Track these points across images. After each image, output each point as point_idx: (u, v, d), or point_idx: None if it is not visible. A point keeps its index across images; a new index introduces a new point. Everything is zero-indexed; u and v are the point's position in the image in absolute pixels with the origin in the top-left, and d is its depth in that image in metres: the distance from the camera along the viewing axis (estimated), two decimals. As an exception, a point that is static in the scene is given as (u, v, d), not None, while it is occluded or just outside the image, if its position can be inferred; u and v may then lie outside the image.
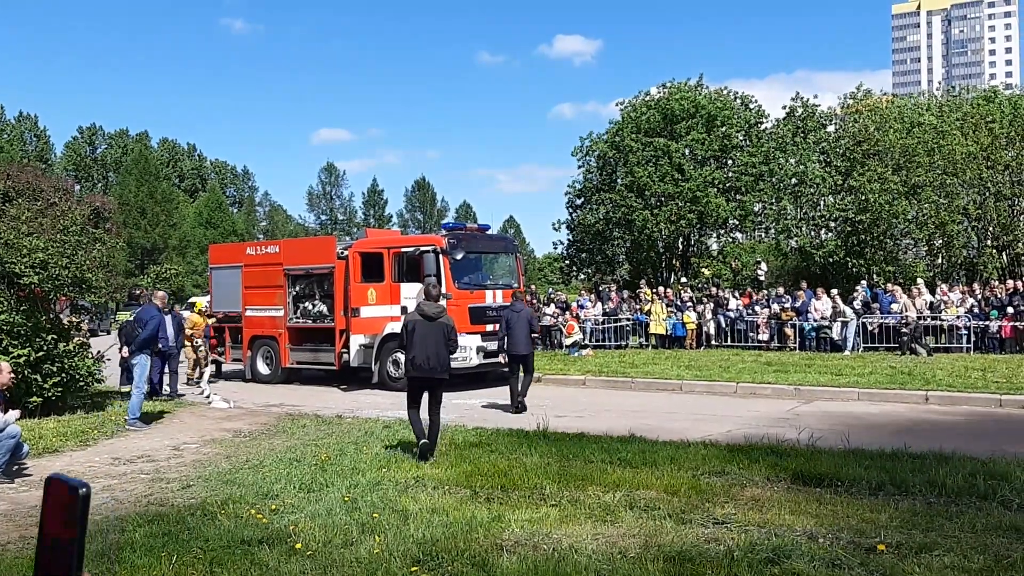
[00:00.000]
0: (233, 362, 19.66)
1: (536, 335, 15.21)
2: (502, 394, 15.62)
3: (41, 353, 12.24)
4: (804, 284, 23.40)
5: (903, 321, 20.05)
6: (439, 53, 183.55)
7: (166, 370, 15.93)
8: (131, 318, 14.91)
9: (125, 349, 12.93)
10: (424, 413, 9.52)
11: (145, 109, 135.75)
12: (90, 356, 13.60)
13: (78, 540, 1.32)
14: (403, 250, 16.98)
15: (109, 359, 14.43)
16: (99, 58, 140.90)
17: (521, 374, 13.72)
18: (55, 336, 12.68)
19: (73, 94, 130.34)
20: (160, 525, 6.56)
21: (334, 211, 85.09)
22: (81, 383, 13.19)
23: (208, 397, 14.80)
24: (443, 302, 10.61)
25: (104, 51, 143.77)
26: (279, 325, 18.42)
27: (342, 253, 17.54)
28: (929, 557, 5.47)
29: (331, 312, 17.68)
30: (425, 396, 9.54)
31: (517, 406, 13.39)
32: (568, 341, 21.77)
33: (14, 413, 8.94)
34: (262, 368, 18.84)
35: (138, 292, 16.40)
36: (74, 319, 14.62)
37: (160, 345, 13.78)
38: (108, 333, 29.52)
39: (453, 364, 14.43)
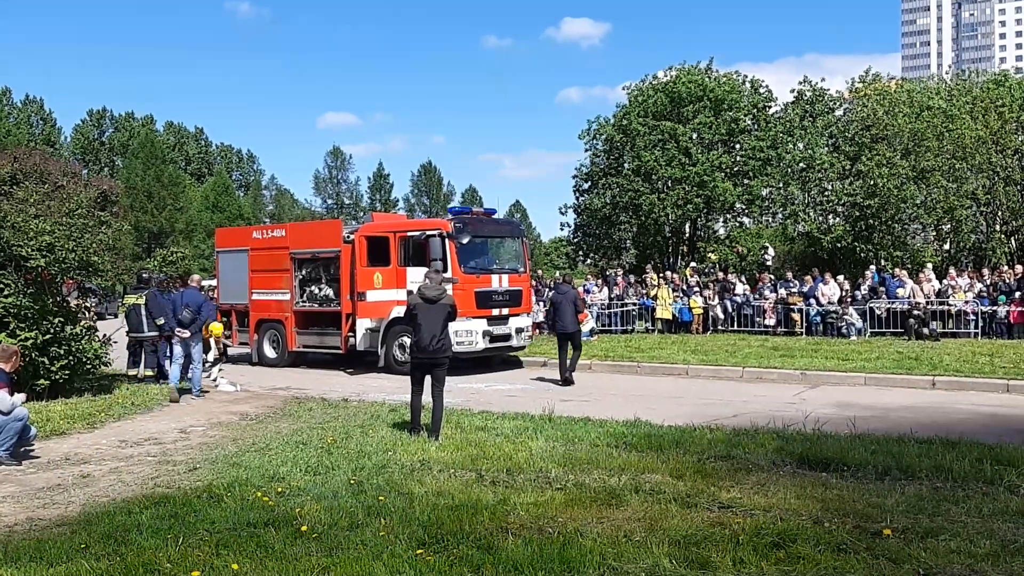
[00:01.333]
0: (240, 345, 19.72)
1: (581, 314, 15.93)
2: (508, 378, 15.73)
3: (48, 336, 12.27)
4: (816, 271, 23.27)
5: (912, 306, 19.96)
6: (445, 37, 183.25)
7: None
8: (137, 303, 14.90)
9: (184, 331, 13.07)
10: (427, 397, 9.56)
11: (150, 93, 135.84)
12: (97, 339, 13.62)
13: None
14: (409, 234, 16.96)
15: (116, 342, 14.46)
16: (104, 42, 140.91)
17: (570, 351, 14.74)
18: (62, 319, 12.70)
19: (78, 78, 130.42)
20: (166, 507, 6.59)
21: (340, 195, 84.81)
22: (88, 366, 13.22)
23: (215, 380, 14.84)
24: (448, 287, 10.62)
25: (109, 35, 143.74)
26: (285, 309, 18.45)
27: (348, 237, 17.52)
28: (935, 542, 5.46)
29: (337, 296, 17.70)
30: (427, 379, 9.58)
31: (566, 379, 14.45)
32: (586, 328, 21.83)
33: (20, 396, 8.97)
34: (268, 351, 18.89)
35: (147, 276, 16.31)
36: (81, 302, 14.63)
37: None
38: (115, 316, 29.56)
39: (459, 348, 14.58)
